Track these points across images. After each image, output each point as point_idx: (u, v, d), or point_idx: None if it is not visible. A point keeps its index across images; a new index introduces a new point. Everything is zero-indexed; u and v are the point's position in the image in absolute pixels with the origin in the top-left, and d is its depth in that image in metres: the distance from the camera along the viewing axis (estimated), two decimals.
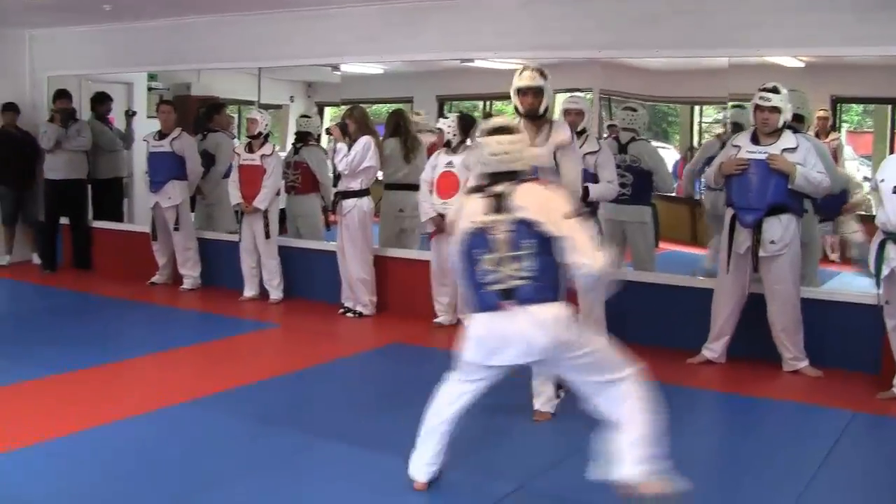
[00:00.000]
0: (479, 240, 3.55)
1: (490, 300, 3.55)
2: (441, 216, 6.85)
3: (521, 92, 4.62)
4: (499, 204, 3.56)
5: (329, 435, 4.55)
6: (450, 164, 6.90)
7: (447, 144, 7.04)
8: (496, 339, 3.56)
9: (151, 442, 4.44)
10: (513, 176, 3.63)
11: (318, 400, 5.22)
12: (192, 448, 4.36)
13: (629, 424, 3.51)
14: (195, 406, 4.99)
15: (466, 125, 7.12)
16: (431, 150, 7.72)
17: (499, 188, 3.60)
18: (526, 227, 3.53)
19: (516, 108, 4.69)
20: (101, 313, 7.69)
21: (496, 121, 3.77)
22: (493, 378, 3.73)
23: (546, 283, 3.53)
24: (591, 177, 6.09)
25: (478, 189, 3.66)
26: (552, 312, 3.52)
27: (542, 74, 4.65)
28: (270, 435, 4.54)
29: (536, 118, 4.67)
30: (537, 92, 4.63)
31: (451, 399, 3.78)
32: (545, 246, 3.52)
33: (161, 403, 4.98)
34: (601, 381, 3.57)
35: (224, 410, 4.93)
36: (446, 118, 7.18)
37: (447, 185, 6.89)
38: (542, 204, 3.56)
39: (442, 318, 7.16)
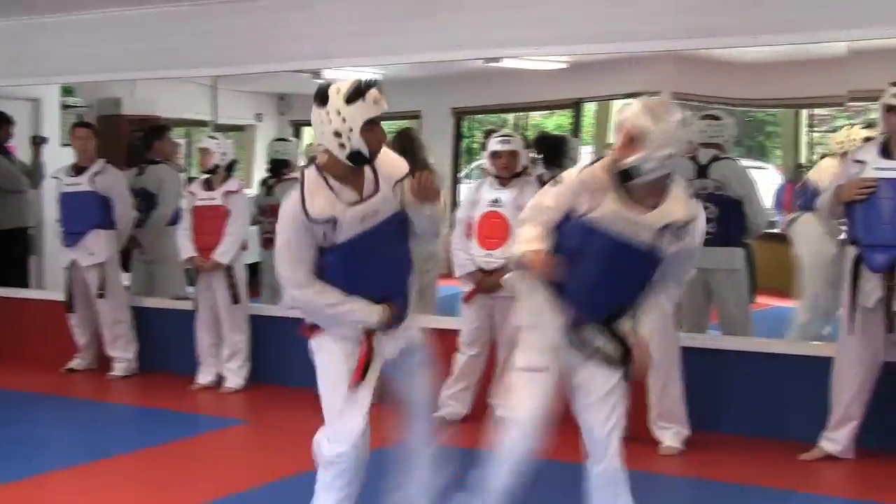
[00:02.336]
0: None
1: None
2: (483, 272, 7.00)
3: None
4: None
5: None
6: (496, 201, 7.01)
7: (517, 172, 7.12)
8: None
9: None
10: None
11: None
12: None
13: None
14: None
15: (552, 147, 7.22)
16: None
17: None
18: None
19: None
20: (1, 413, 7.73)
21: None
22: None
23: None
24: None
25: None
26: None
27: None
28: None
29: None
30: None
31: None
32: None
33: None
34: None
35: None
36: (507, 140, 7.15)
37: (491, 229, 7.00)
38: None
39: (450, 410, 7.17)
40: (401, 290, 4.54)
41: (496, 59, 7.94)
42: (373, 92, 4.23)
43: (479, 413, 7.18)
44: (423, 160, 8.13)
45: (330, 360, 4.43)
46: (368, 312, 4.34)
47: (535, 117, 9.13)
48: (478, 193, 7.16)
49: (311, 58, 8.37)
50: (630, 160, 4.06)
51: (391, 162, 4.42)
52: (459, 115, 9.31)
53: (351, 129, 4.17)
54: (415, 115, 9.22)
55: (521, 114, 9.21)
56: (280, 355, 8.21)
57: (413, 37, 7.82)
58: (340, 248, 4.28)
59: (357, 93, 4.19)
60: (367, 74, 8.84)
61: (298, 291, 4.33)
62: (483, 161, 7.43)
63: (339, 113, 4.18)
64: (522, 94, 8.66)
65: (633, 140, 4.06)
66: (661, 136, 4.03)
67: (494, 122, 9.16)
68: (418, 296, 8.05)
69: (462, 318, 7.26)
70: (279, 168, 8.86)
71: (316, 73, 8.79)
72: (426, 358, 4.67)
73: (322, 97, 4.23)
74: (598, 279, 4.25)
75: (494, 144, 7.05)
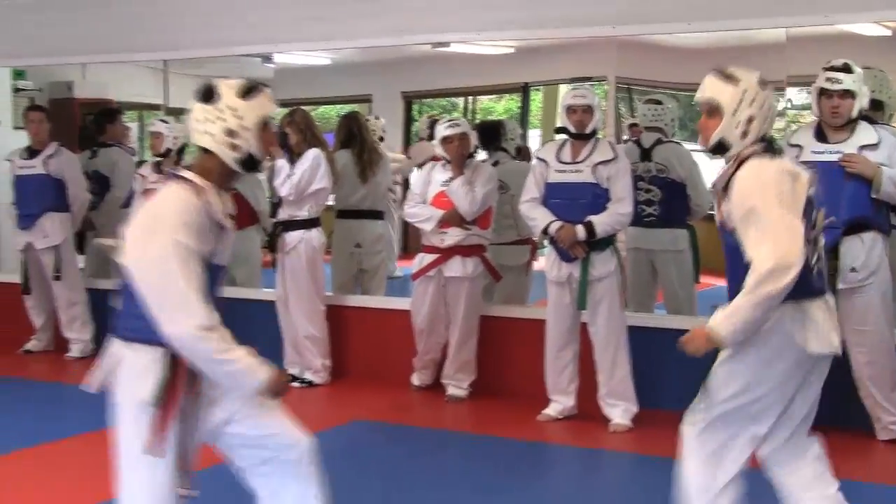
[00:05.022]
0: (809, 212, 3.72)
1: (820, 283, 3.80)
2: (438, 249, 7.01)
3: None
4: None
5: None
6: (447, 182, 6.98)
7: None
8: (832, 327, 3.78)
9: None
10: None
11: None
12: None
13: None
14: None
15: (487, 132, 7.24)
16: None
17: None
18: None
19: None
20: None
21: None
22: None
23: None
24: (603, 193, 6.27)
25: (770, 151, 3.77)
26: None
27: None
28: None
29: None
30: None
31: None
32: None
33: None
34: None
35: None
36: (455, 123, 7.07)
37: (443, 209, 6.99)
38: None
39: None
40: None
41: (445, 44, 7.89)
42: (266, 91, 3.61)
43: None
44: (370, 143, 8.08)
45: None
46: (258, 368, 3.50)
47: (485, 101, 9.06)
48: (430, 174, 7.14)
49: (260, 42, 8.33)
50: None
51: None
52: (410, 98, 9.27)
53: (246, 128, 3.51)
54: (366, 99, 9.17)
55: (471, 98, 9.20)
56: (234, 335, 8.09)
57: (361, 22, 7.76)
58: (209, 273, 3.48)
59: (253, 88, 3.56)
60: (317, 60, 8.89)
61: (203, 335, 3.36)
62: (419, 143, 7.43)
63: (234, 110, 3.51)
64: (471, 79, 8.61)
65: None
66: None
67: (444, 106, 9.09)
68: (368, 277, 8.16)
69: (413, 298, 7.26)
70: None
71: (266, 58, 8.74)
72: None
73: (208, 92, 3.53)
74: None
75: (444, 130, 6.97)
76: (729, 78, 3.72)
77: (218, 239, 3.51)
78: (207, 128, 3.50)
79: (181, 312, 3.33)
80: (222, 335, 3.41)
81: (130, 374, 3.49)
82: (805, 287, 3.63)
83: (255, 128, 3.51)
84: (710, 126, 3.75)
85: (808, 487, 3.89)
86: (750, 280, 3.52)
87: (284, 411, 3.79)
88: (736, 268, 3.66)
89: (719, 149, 3.76)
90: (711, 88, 3.75)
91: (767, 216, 3.55)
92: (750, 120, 3.69)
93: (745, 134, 3.70)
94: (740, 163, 3.70)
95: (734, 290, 3.63)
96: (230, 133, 3.49)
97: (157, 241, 3.35)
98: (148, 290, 3.36)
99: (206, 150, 3.53)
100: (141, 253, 3.39)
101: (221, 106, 3.50)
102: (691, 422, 3.92)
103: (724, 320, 3.60)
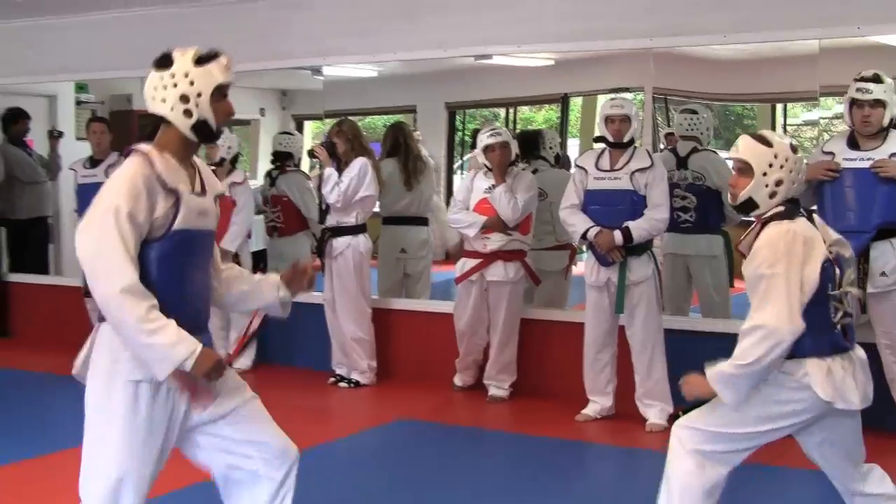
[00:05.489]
0: (830, 272, 3.78)
1: (844, 340, 3.83)
2: (479, 255, 7.10)
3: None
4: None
5: None
6: (489, 189, 7.05)
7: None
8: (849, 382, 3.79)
9: None
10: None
11: (307, 494, 5.30)
12: None
13: None
14: None
15: (526, 141, 7.38)
16: None
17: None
18: None
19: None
20: (22, 393, 7.78)
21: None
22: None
23: None
24: (641, 200, 6.32)
25: (791, 213, 3.81)
26: None
27: None
28: None
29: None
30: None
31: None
32: None
33: None
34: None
35: None
36: (497, 132, 7.13)
37: (483, 214, 7.07)
38: None
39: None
40: (207, 327, 3.72)
41: (487, 56, 7.98)
42: (224, 57, 3.48)
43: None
44: (415, 152, 8.17)
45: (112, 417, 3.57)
46: (181, 344, 3.34)
47: (525, 111, 9.09)
48: (472, 182, 7.22)
49: (310, 55, 8.43)
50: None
51: (208, 171, 3.68)
52: (453, 109, 9.34)
53: (199, 94, 3.39)
54: (411, 110, 9.24)
55: (512, 108, 9.24)
56: (285, 337, 8.21)
57: (405, 35, 7.90)
58: (172, 240, 3.41)
59: (209, 55, 3.44)
60: (363, 72, 8.98)
61: (126, 298, 3.25)
62: (472, 154, 7.50)
63: (186, 75, 3.39)
64: (512, 90, 8.65)
65: None
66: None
67: (486, 116, 9.16)
68: (413, 281, 8.24)
69: (456, 302, 7.34)
70: (282, 160, 8.85)
71: (316, 70, 8.82)
72: None
73: (164, 60, 3.42)
74: None
75: (486, 139, 7.03)
76: (762, 141, 3.79)
77: (176, 205, 3.37)
78: (162, 94, 3.41)
79: (108, 274, 3.24)
80: (152, 305, 3.28)
81: (98, 348, 3.50)
82: (824, 345, 3.74)
83: (208, 95, 3.40)
84: (740, 184, 3.81)
85: None
86: (743, 344, 3.69)
87: (272, 420, 3.75)
88: None
89: (747, 206, 3.83)
90: (745, 149, 3.81)
91: (772, 287, 3.63)
92: (779, 182, 3.75)
93: (773, 195, 3.76)
94: (762, 225, 3.78)
95: None
96: (184, 99, 3.38)
97: (97, 208, 3.31)
98: (83, 256, 3.30)
99: (165, 122, 3.45)
100: (83, 223, 3.33)
101: (175, 72, 3.39)
102: (686, 423, 3.99)
103: (720, 384, 3.79)
